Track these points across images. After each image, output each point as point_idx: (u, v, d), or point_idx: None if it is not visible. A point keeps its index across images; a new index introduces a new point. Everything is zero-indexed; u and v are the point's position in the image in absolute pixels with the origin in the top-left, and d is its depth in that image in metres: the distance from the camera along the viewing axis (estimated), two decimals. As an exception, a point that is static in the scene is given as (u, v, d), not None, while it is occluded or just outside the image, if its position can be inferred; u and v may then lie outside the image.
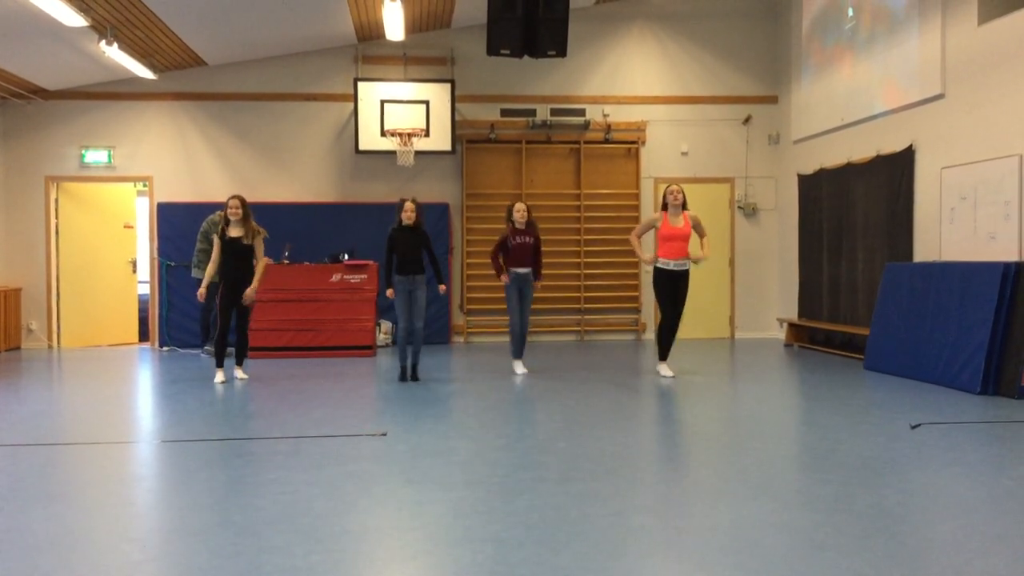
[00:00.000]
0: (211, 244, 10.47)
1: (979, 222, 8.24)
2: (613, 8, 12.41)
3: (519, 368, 8.78)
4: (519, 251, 8.55)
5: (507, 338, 12.33)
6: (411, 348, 8.22)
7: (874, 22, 10.00)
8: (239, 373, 8.47)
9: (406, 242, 8.17)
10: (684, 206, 8.43)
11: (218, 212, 10.68)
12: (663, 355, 8.48)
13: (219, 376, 8.25)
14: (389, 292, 8.23)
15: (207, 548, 3.49)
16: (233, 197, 8.26)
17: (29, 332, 11.94)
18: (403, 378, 8.20)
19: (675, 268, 8.30)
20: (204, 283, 8.43)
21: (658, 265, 8.38)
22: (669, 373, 8.37)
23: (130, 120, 12.00)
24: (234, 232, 8.16)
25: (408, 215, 8.20)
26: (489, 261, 8.34)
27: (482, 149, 12.35)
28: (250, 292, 8.17)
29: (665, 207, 8.46)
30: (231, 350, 8.81)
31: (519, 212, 8.56)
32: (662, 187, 12.48)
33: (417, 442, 5.50)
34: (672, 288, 8.35)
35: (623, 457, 5.12)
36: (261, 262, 8.31)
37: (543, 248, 8.83)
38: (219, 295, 8.42)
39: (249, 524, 3.78)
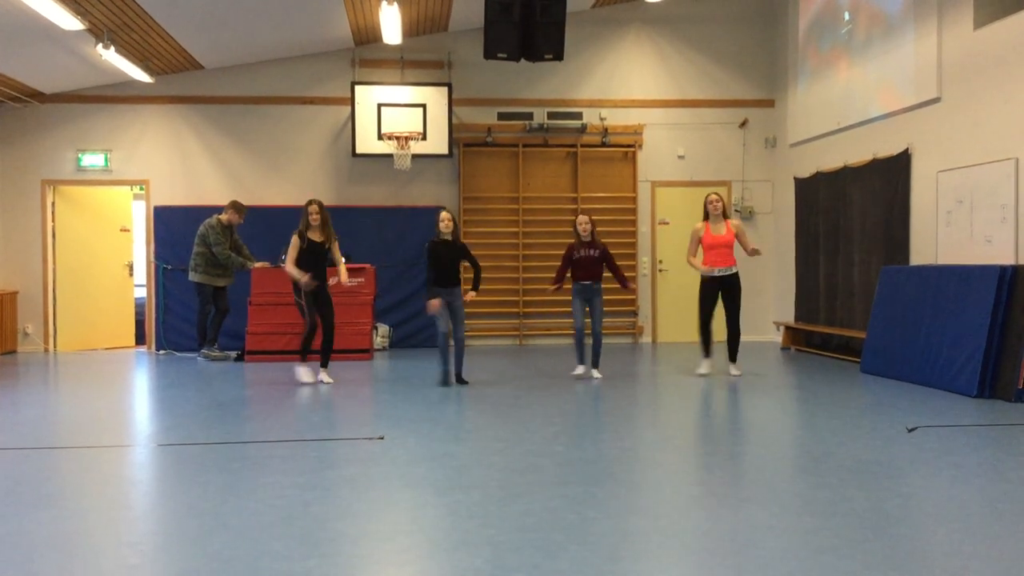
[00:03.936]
0: (209, 247, 10.54)
1: (975, 225, 8.25)
2: (610, 12, 12.43)
3: (580, 370, 8.69)
4: (584, 264, 8.47)
5: (504, 342, 12.42)
6: (455, 356, 8.17)
7: (870, 26, 10.02)
8: (324, 376, 8.42)
9: (443, 255, 8.08)
10: (725, 214, 8.62)
11: (215, 215, 10.70)
12: (706, 352, 8.71)
13: (323, 375, 8.37)
14: (434, 303, 8.00)
15: (204, 552, 3.48)
16: (312, 202, 8.44)
17: (25, 336, 11.92)
18: (445, 382, 8.11)
19: (720, 274, 8.49)
20: (297, 275, 8.32)
21: (703, 273, 8.58)
22: (735, 372, 8.66)
23: (127, 123, 11.99)
24: (315, 236, 8.34)
25: (445, 224, 8.13)
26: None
27: (479, 152, 12.36)
28: (345, 277, 8.50)
29: (707, 216, 8.62)
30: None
31: (582, 225, 8.49)
32: (659, 191, 12.56)
33: (414, 446, 5.50)
34: (714, 294, 8.54)
35: (620, 460, 5.12)
36: (341, 263, 8.56)
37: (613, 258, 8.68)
38: (301, 296, 8.50)
39: (245, 528, 3.77)
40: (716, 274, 8.48)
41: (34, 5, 8.09)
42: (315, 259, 8.32)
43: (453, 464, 4.99)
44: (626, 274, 12.34)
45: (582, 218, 8.55)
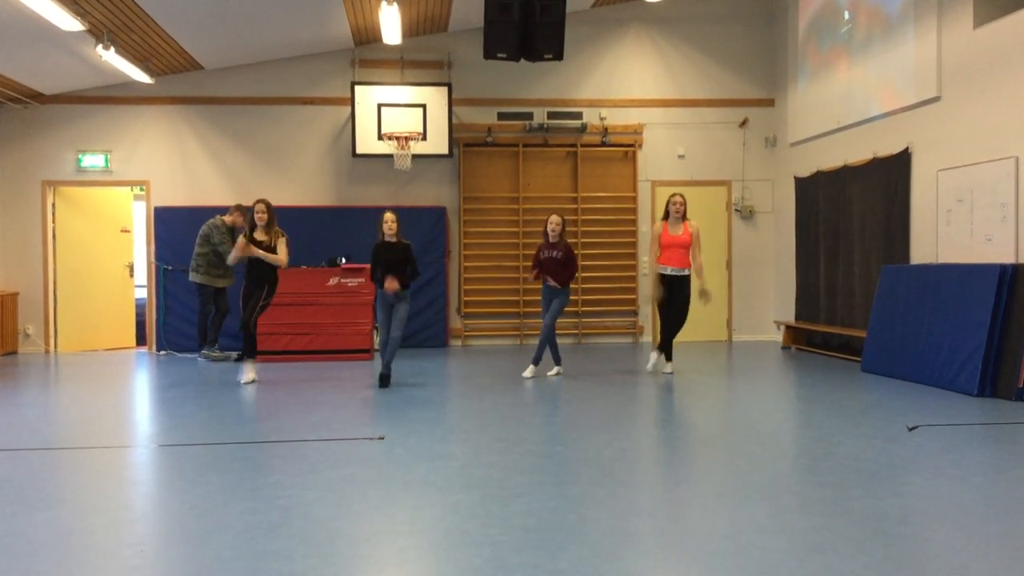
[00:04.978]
0: (212, 247, 10.55)
1: (975, 224, 8.25)
2: (609, 11, 12.43)
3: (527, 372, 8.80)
4: (548, 265, 8.57)
5: (504, 341, 12.43)
6: (387, 351, 8.11)
7: (870, 25, 10.02)
8: (248, 372, 8.47)
9: (387, 257, 8.06)
10: (685, 216, 8.70)
11: (219, 216, 10.71)
12: (662, 351, 8.88)
13: (249, 374, 8.40)
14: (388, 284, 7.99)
15: (204, 552, 3.48)
16: (259, 201, 8.42)
17: (26, 336, 11.92)
18: (384, 385, 8.05)
19: (671, 274, 8.60)
20: (233, 256, 8.46)
21: (657, 271, 8.70)
22: (667, 370, 8.79)
23: (127, 124, 12.00)
24: (259, 236, 8.32)
25: (388, 227, 8.09)
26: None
27: (479, 152, 12.36)
28: (260, 252, 8.24)
29: (667, 215, 8.73)
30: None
31: (552, 225, 8.60)
32: (659, 190, 12.55)
33: (414, 446, 5.50)
34: (667, 292, 8.65)
35: (620, 460, 5.12)
36: (280, 255, 8.37)
37: (575, 262, 8.75)
38: (241, 296, 8.48)
39: (246, 528, 3.77)
40: (668, 272, 8.58)
41: (34, 6, 8.09)
42: (256, 259, 8.30)
43: (453, 464, 4.99)
44: (626, 274, 12.49)
45: (554, 218, 8.64)
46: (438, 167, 12.26)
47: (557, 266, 8.55)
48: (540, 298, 8.84)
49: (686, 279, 8.59)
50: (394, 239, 8.12)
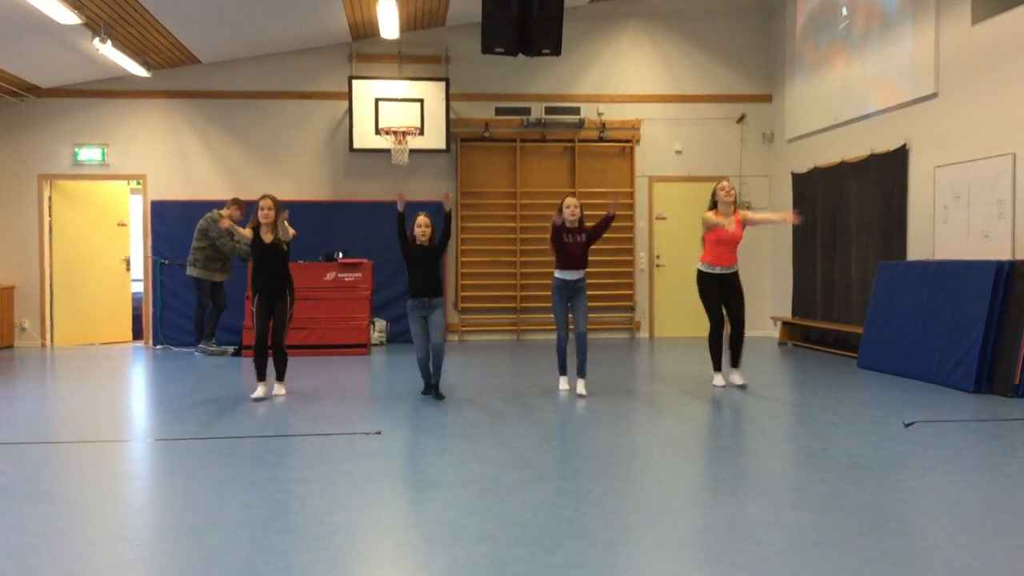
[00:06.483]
0: (209, 242, 10.53)
1: (972, 221, 8.26)
2: (607, 7, 12.41)
3: (565, 384, 7.66)
4: (573, 250, 7.38)
5: (501, 337, 12.44)
6: (432, 365, 7.19)
7: (868, 21, 10.02)
8: (279, 389, 7.42)
9: (420, 261, 7.17)
10: (736, 204, 7.75)
11: (216, 210, 10.69)
12: (717, 365, 7.77)
13: (259, 390, 7.18)
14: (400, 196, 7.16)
15: (201, 547, 3.48)
16: (265, 197, 7.23)
17: (22, 331, 11.90)
18: (427, 392, 7.33)
19: (721, 272, 7.67)
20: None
21: (701, 269, 7.73)
22: (740, 381, 7.65)
23: (124, 118, 11.97)
24: (267, 237, 7.19)
25: (423, 231, 7.18)
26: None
27: (477, 147, 12.35)
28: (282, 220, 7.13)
29: (714, 206, 7.68)
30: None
31: (570, 209, 7.39)
32: (656, 186, 12.55)
33: (411, 441, 5.50)
34: (719, 290, 7.66)
35: (617, 456, 5.13)
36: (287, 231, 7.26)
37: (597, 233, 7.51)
38: (254, 304, 7.31)
39: (243, 522, 3.77)
40: (717, 271, 7.66)
41: (30, -1, 8.07)
42: (266, 263, 7.22)
43: (450, 459, 4.99)
44: (623, 269, 12.49)
45: (571, 200, 7.45)
46: (436, 162, 12.25)
47: (581, 252, 7.40)
48: (552, 297, 7.52)
49: (736, 275, 7.73)
50: (427, 244, 7.26)
